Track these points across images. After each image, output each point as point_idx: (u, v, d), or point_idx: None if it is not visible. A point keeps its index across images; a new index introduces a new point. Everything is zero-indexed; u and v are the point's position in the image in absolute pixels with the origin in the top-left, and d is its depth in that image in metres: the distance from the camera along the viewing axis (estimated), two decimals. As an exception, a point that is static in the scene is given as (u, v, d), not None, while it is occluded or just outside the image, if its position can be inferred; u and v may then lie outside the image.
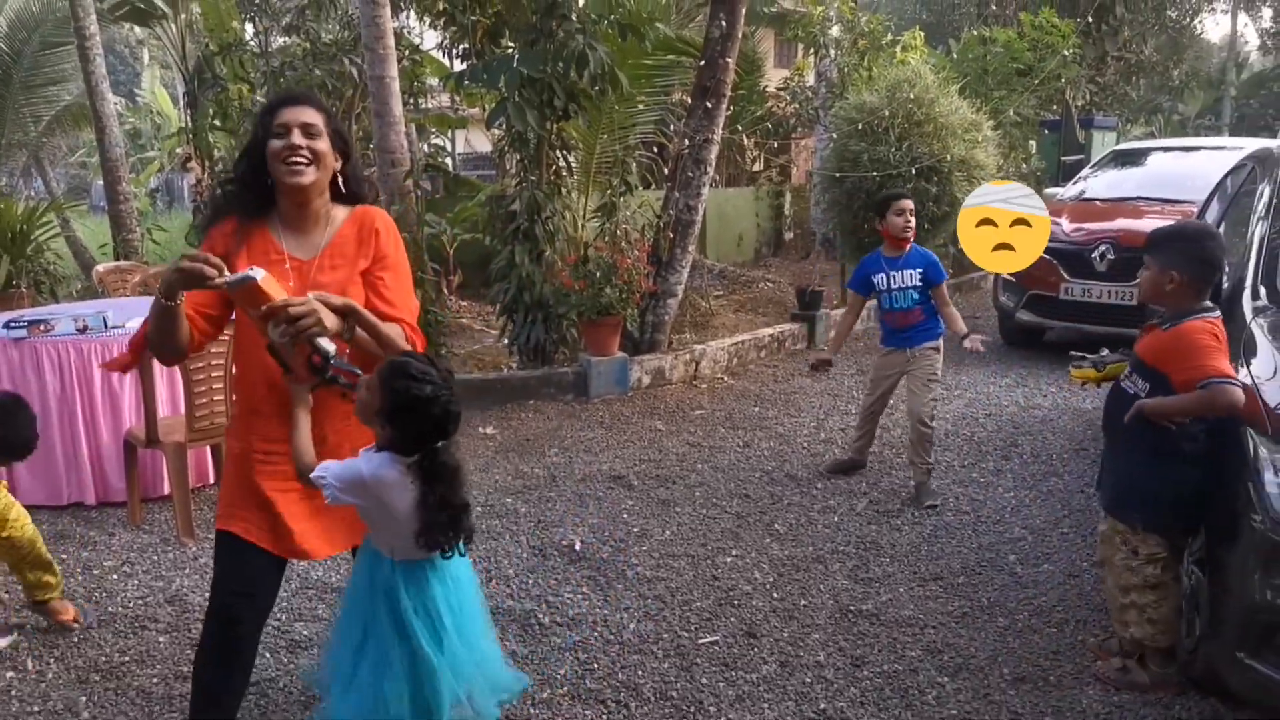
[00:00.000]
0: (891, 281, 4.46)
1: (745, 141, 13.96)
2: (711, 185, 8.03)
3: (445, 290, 7.70)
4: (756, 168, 14.28)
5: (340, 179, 2.33)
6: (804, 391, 6.43)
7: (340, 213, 2.37)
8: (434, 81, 12.21)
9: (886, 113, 8.57)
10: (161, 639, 3.24)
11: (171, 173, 19.83)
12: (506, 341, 6.71)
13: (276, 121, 2.24)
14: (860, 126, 8.62)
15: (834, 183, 9.06)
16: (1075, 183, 8.49)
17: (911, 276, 4.42)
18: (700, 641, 3.21)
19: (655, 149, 9.24)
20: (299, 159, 2.22)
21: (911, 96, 8.75)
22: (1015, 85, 11.88)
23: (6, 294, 7.34)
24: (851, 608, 3.41)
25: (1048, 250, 7.06)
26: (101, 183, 18.05)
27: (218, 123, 10.64)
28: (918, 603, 3.45)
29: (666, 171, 7.50)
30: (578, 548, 3.97)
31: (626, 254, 6.32)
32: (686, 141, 6.67)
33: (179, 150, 16.62)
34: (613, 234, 6.72)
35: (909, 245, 4.50)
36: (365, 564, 2.21)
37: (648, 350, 6.72)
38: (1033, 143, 11.59)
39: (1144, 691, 2.84)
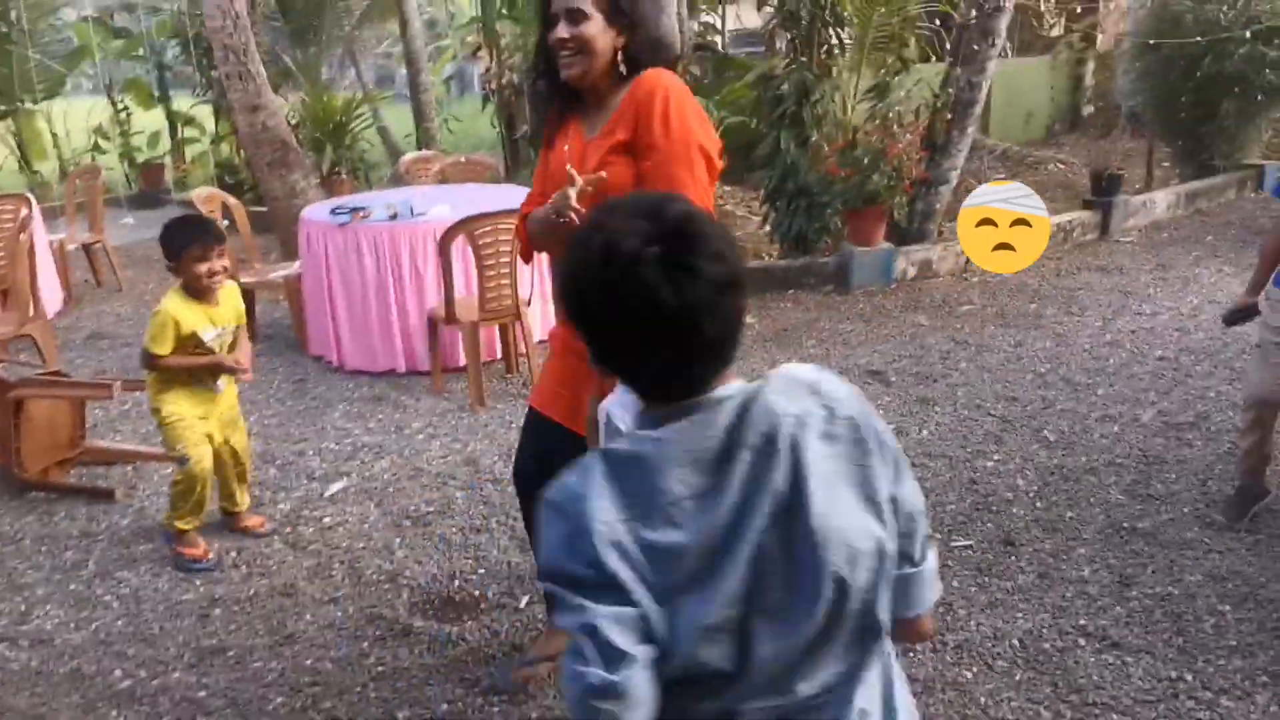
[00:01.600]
0: None
1: (1043, 5, 12.61)
2: (1000, 56, 7.37)
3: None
4: (1055, 33, 12.88)
5: (622, 55, 2.17)
6: (1090, 288, 5.93)
7: (625, 88, 2.20)
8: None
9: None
10: (459, 494, 3.71)
11: (463, 61, 21.08)
12: (768, 229, 6.70)
13: (549, 10, 2.17)
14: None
15: (1148, 49, 8.02)
16: None
17: None
18: (954, 544, 3.19)
19: (937, 20, 8.58)
20: (565, 50, 2.14)
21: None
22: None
23: (329, 180, 8.29)
24: (1125, 524, 3.23)
25: None
26: (403, 72, 19.47)
27: (505, 11, 11.13)
28: (1204, 525, 3.20)
29: (949, 45, 6.97)
30: (833, 440, 4.01)
31: (898, 138, 6.03)
32: (978, 10, 6.14)
33: (469, 39, 17.65)
34: (884, 117, 6.41)
35: None
36: None
37: (915, 240, 6.46)
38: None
39: None
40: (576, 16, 2.12)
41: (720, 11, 14.04)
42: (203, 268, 3.08)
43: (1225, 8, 7.44)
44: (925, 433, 4.05)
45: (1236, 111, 7.73)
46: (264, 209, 7.15)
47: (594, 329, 1.17)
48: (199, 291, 3.13)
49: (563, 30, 2.13)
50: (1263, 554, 3.02)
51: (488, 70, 11.15)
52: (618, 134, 2.15)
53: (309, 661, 2.76)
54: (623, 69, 2.18)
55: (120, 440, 4.33)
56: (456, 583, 3.11)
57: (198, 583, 3.16)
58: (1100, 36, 12.77)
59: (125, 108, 11.85)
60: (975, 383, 4.55)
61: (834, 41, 6.55)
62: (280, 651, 2.80)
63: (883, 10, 6.75)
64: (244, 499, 3.50)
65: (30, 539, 3.52)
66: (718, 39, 13.42)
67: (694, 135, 2.12)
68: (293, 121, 8.21)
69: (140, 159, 11.98)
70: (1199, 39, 7.47)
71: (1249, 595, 2.82)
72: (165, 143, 12.44)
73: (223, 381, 3.29)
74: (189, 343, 3.13)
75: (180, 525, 3.24)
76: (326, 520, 3.56)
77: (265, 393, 4.81)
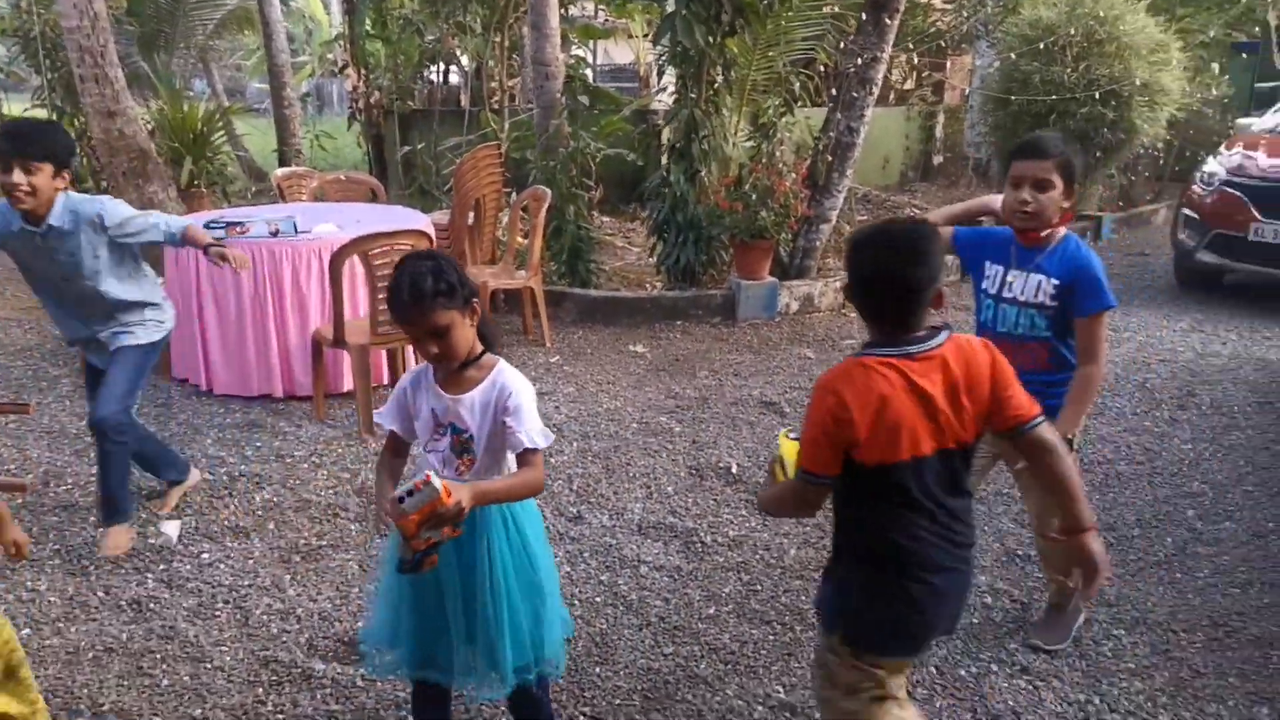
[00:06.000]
0: (1005, 285, 2.58)
1: (896, 58, 13.35)
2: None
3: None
4: (907, 86, 13.66)
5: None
6: (963, 326, 6.23)
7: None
8: (582, -10, 12.11)
9: (1070, 30, 8.02)
10: (353, 526, 3.49)
11: (322, 78, 20.41)
12: (655, 260, 6.74)
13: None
14: (1041, 46, 8.10)
15: (1000, 104, 8.60)
16: (1274, 112, 7.79)
17: (1040, 287, 2.51)
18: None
19: (820, 67, 8.92)
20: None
21: (1094, 13, 8.17)
22: (1204, 2, 10.90)
23: (188, 193, 7.78)
24: (1019, 552, 3.36)
25: (1237, 186, 6.58)
26: (257, 85, 18.66)
27: (373, 30, 10.85)
28: (1090, 552, 3.36)
29: (832, 91, 7.21)
30: (734, 470, 4.03)
31: (784, 177, 6.20)
32: (858, 60, 6.40)
33: (330, 56, 17.07)
34: (770, 155, 6.58)
35: (1055, 235, 2.51)
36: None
37: (796, 276, 6.63)
38: (1215, 66, 10.69)
39: None
40: None
41: (590, 46, 14.19)
42: None
43: (1070, 71, 8.06)
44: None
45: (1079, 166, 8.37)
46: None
47: None
48: None
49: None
50: (1145, 579, 3.21)
51: (355, 90, 10.84)
52: None
53: (198, 712, 2.50)
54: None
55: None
56: (359, 623, 2.90)
57: (60, 626, 2.83)
58: (948, 92, 13.66)
59: (-55, 107, 10.83)
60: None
61: (720, 80, 6.68)
62: (162, 703, 2.53)
63: (769, 54, 6.96)
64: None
65: None
66: (588, 72, 13.53)
67: None
68: (148, 130, 7.67)
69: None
70: (1046, 98, 8.07)
71: (1139, 619, 2.97)
72: (-8, 146, 11.42)
73: None
74: None
75: None
76: (205, 556, 3.27)
77: (124, 418, 4.41)
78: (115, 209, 3.17)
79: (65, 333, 3.42)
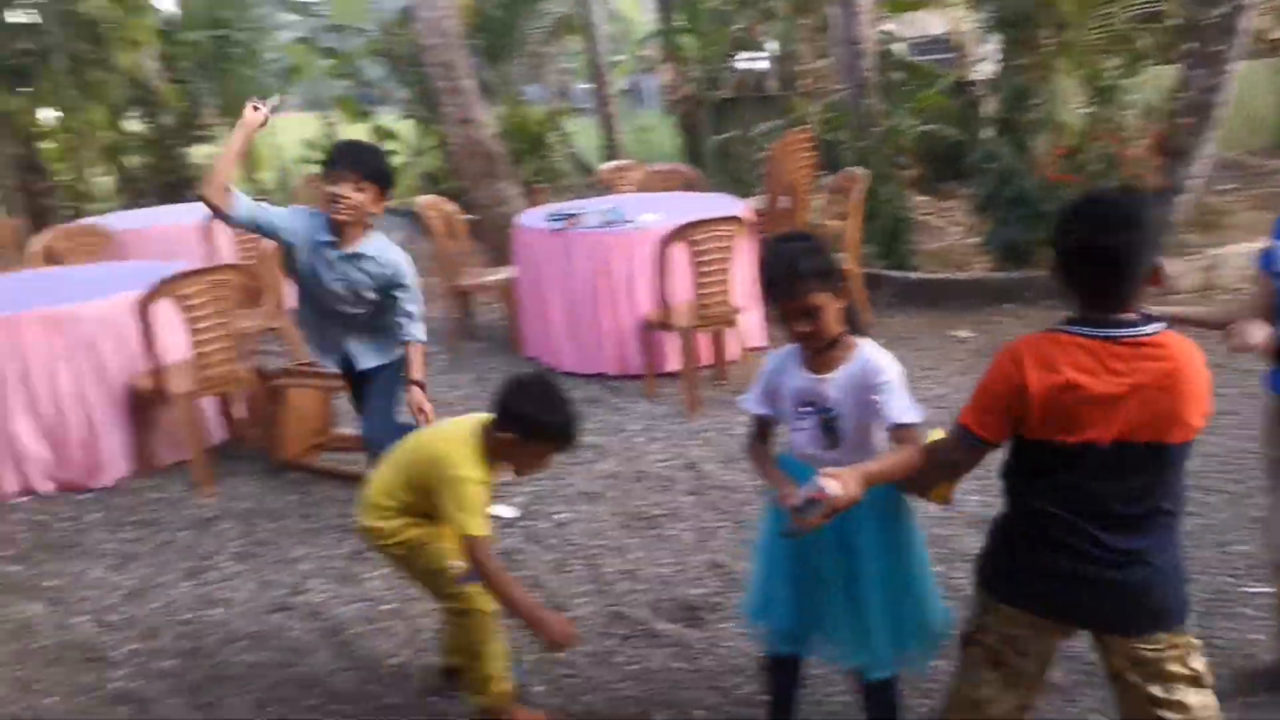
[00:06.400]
0: None
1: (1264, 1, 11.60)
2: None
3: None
4: (1275, 35, 11.82)
5: None
6: None
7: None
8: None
9: None
10: (684, 499, 3.70)
11: (639, 74, 21.39)
12: (979, 240, 6.42)
13: None
14: None
15: None
16: None
17: None
18: (1251, 590, 2.91)
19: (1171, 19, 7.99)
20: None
21: None
22: None
23: (529, 189, 8.56)
24: None
25: None
26: (581, 86, 20.00)
27: (684, 24, 11.23)
28: None
29: (1186, 46, 6.43)
30: (1075, 462, 3.77)
31: (1130, 144, 5.66)
32: (1218, 8, 5.69)
33: (643, 53, 17.88)
34: (1112, 121, 6.03)
35: None
36: None
37: (1146, 253, 6.02)
38: None
39: None
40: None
41: (902, 19, 13.65)
42: (546, 460, 2.44)
43: None
44: (1197, 463, 3.72)
45: None
46: (472, 216, 7.42)
47: None
48: (500, 461, 2.39)
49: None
50: None
51: (670, 83, 11.28)
52: None
53: (563, 655, 2.79)
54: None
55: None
56: (695, 590, 3.08)
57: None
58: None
59: (333, 122, 12.66)
60: (1243, 411, 4.16)
61: (1050, 43, 6.21)
62: (534, 643, 2.84)
63: (1107, 9, 6.36)
64: None
65: (294, 518, 3.77)
66: (900, 46, 13.05)
67: None
68: (494, 134, 8.49)
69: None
70: None
71: None
72: (368, 155, 13.17)
73: None
74: None
75: (504, 687, 2.48)
76: (560, 516, 3.63)
77: (488, 390, 4.97)
78: (410, 275, 3.24)
79: (314, 350, 3.49)
